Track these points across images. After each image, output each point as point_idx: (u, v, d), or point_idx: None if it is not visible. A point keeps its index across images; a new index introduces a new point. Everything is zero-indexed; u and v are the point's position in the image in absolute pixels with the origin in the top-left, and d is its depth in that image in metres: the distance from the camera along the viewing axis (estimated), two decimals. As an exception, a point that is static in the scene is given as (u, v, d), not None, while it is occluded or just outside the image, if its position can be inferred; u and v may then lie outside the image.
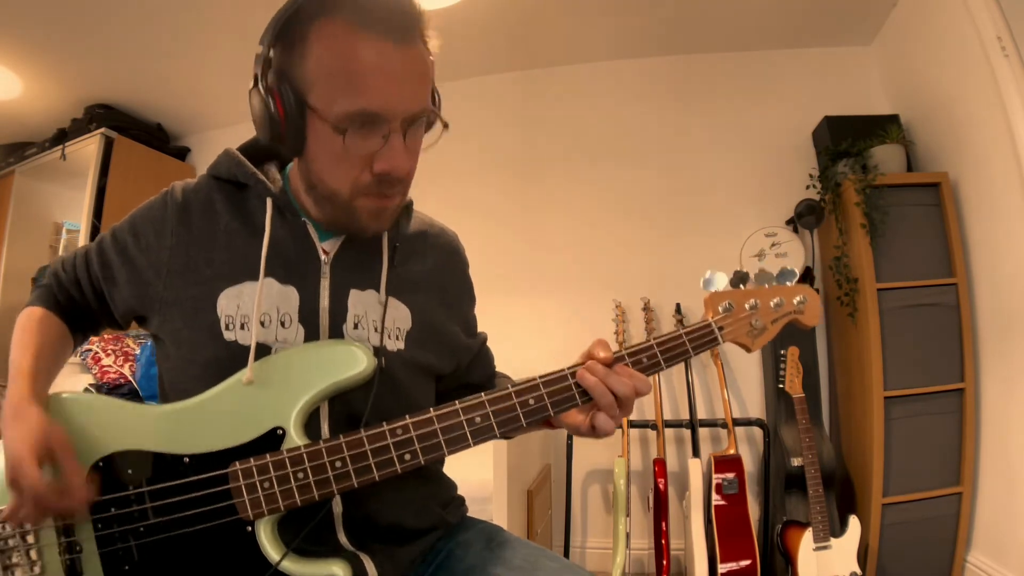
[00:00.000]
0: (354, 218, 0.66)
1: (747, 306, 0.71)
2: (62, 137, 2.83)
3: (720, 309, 0.71)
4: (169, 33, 2.33)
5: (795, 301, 0.73)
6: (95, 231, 2.66)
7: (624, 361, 0.65)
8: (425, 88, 0.63)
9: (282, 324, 0.66)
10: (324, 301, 0.68)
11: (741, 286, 0.73)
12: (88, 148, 2.73)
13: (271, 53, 0.62)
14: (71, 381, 2.21)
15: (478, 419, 0.62)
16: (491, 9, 2.26)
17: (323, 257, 0.70)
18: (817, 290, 2.11)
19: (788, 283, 0.73)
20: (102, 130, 2.71)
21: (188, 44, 2.42)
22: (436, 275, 0.78)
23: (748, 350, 0.72)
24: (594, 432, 0.64)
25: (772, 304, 0.72)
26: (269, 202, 0.69)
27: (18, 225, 2.99)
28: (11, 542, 0.60)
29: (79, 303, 0.76)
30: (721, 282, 0.73)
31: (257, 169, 0.72)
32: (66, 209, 3.18)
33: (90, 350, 2.23)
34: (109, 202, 2.70)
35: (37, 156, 2.90)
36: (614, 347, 0.66)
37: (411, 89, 0.61)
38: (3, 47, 2.35)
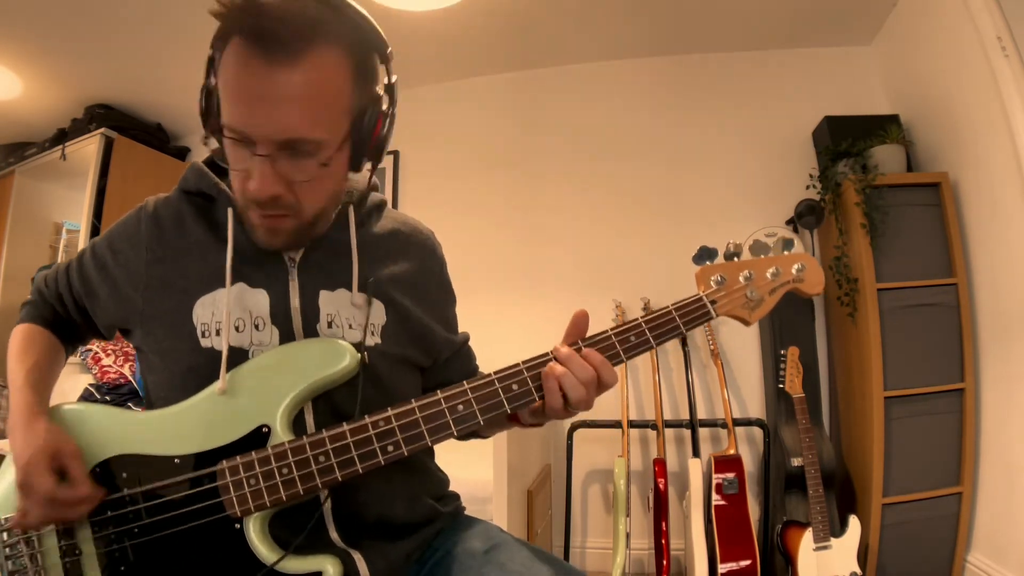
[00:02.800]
0: (253, 229, 0.67)
1: (741, 278, 0.68)
2: (62, 137, 2.83)
3: (712, 283, 0.68)
4: (169, 33, 2.33)
5: (793, 269, 0.69)
6: (95, 231, 2.66)
7: (610, 341, 0.64)
8: (307, 114, 0.59)
9: (256, 327, 0.67)
10: (295, 301, 0.69)
11: (735, 259, 0.70)
12: (88, 148, 2.73)
13: (214, 56, 0.63)
14: (71, 381, 2.21)
15: (460, 407, 0.62)
16: (490, 9, 2.26)
17: (288, 262, 0.71)
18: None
19: (785, 252, 0.70)
20: (102, 130, 2.71)
21: (188, 44, 2.42)
22: (410, 273, 0.78)
23: (746, 323, 0.68)
24: (566, 402, 0.63)
25: (768, 274, 0.69)
26: (230, 212, 0.70)
27: (18, 225, 2.99)
28: (17, 548, 0.61)
29: (63, 317, 0.79)
30: (714, 256, 0.70)
31: (224, 179, 0.72)
32: (66, 209, 3.18)
33: (90, 350, 2.24)
34: (109, 202, 2.70)
35: (37, 156, 2.90)
36: (588, 315, 0.66)
37: (281, 114, 0.58)
38: (3, 47, 2.35)
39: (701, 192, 2.49)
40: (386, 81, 0.67)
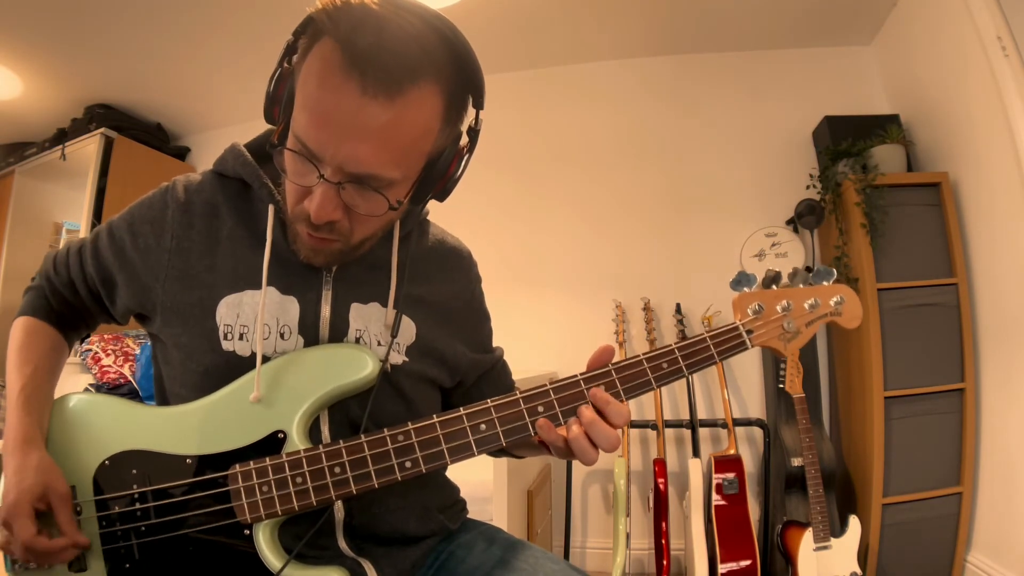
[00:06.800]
0: (296, 240, 0.63)
1: (779, 308, 0.66)
2: (62, 137, 2.83)
3: (749, 311, 0.66)
4: (169, 33, 2.33)
5: (832, 302, 0.68)
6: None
7: (642, 367, 0.61)
8: (388, 153, 0.55)
9: (281, 336, 0.64)
10: (325, 311, 0.66)
11: (773, 287, 0.68)
12: (88, 148, 2.73)
13: (297, 44, 0.57)
14: (71, 381, 2.21)
15: (483, 426, 0.59)
16: (491, 9, 2.26)
17: (324, 271, 0.68)
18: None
19: (824, 283, 0.68)
20: (102, 130, 2.71)
21: (187, 44, 2.42)
22: (442, 295, 0.76)
23: (781, 356, 0.67)
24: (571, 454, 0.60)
25: (807, 305, 0.67)
26: (271, 210, 0.66)
27: (18, 225, 2.99)
28: None
29: (74, 304, 0.74)
30: (751, 283, 0.68)
31: (265, 167, 0.68)
32: (66, 209, 3.18)
33: (90, 350, 2.23)
34: (109, 202, 2.70)
35: (37, 156, 2.90)
36: (615, 349, 0.63)
37: (361, 148, 0.53)
38: (3, 47, 2.35)
39: (701, 192, 2.49)
40: (472, 122, 0.64)
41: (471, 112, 0.64)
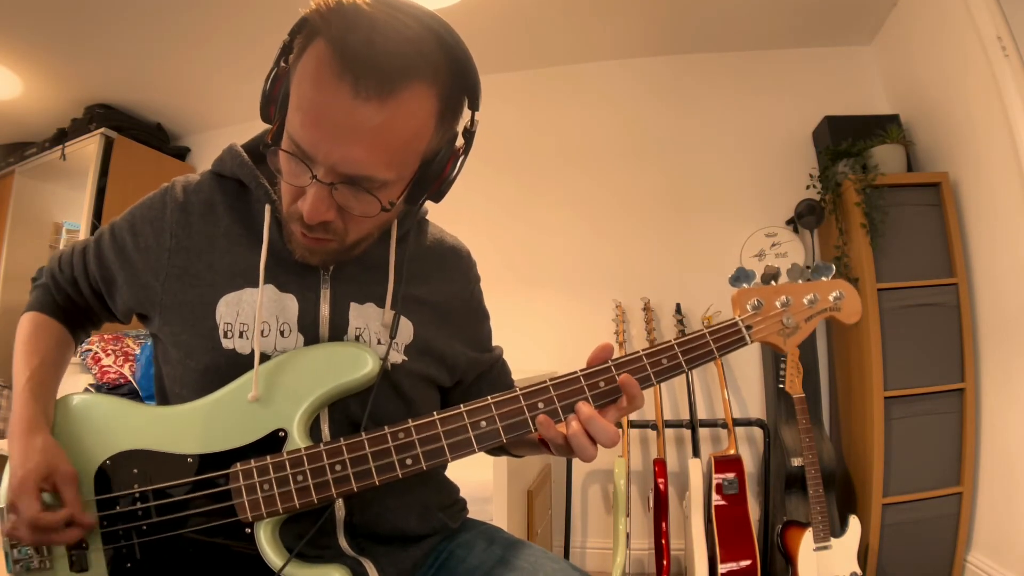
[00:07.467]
0: (292, 240, 0.64)
1: (778, 303, 0.67)
2: (62, 137, 2.83)
3: (748, 307, 0.66)
4: (169, 33, 2.33)
5: (831, 297, 0.68)
6: (95, 231, 2.66)
7: (641, 363, 0.62)
8: (381, 154, 0.55)
9: (281, 333, 0.64)
10: (324, 310, 0.67)
11: (772, 283, 0.68)
12: (88, 148, 2.73)
13: (293, 43, 0.57)
14: (71, 381, 2.21)
15: (483, 423, 0.59)
16: (491, 9, 2.26)
17: (322, 269, 0.68)
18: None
19: (823, 278, 0.68)
20: (102, 130, 2.71)
21: (188, 44, 2.42)
22: (440, 295, 0.76)
23: (781, 351, 0.67)
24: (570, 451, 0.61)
25: (806, 301, 0.67)
26: (268, 209, 0.66)
27: (18, 225, 3.00)
28: None
29: (77, 302, 0.76)
30: (750, 279, 0.68)
31: (262, 167, 0.68)
32: (66, 209, 3.19)
33: (90, 350, 2.23)
34: (109, 202, 2.70)
35: (37, 156, 2.90)
36: (615, 348, 0.63)
37: (354, 149, 0.53)
38: (3, 47, 2.35)
39: (701, 192, 2.49)
40: (467, 123, 0.64)
41: (467, 113, 0.64)
